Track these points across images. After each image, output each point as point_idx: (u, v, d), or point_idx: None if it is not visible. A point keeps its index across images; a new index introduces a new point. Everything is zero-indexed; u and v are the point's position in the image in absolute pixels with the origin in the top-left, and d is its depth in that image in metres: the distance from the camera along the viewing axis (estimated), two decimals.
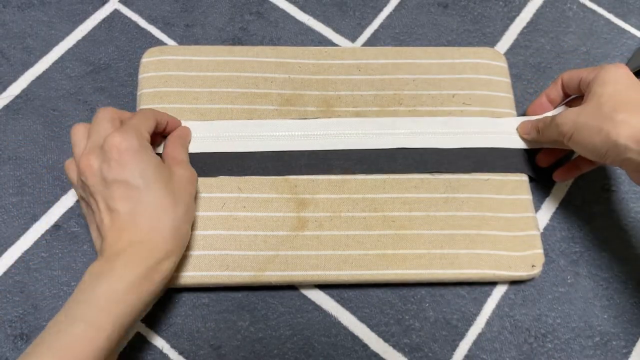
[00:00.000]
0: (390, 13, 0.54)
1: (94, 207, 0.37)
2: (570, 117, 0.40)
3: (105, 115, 0.39)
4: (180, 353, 0.41)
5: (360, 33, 0.53)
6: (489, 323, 0.43)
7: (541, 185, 0.48)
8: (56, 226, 0.44)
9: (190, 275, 0.41)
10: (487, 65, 0.50)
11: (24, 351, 0.32)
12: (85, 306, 0.33)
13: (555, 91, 0.45)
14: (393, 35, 0.53)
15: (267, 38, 0.52)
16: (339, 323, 0.43)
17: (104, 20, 0.52)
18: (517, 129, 0.47)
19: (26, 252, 0.44)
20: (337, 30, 0.53)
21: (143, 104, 0.46)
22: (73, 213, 0.45)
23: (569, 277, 0.45)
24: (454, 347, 0.42)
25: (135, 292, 0.34)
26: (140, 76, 0.48)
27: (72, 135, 0.39)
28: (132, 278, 0.34)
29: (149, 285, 0.35)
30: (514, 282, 0.44)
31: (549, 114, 0.45)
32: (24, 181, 0.46)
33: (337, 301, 0.43)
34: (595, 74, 0.41)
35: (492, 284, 0.44)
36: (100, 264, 0.35)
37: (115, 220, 0.36)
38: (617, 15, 0.55)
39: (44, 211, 0.45)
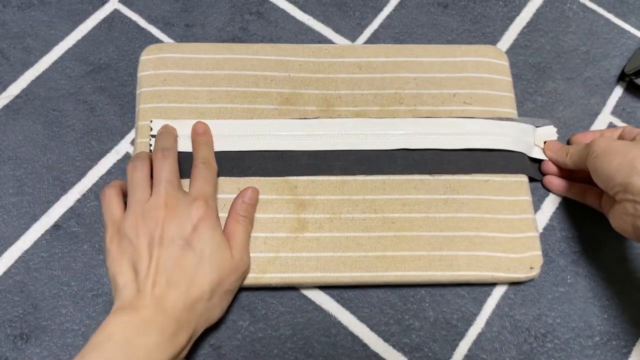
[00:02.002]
0: (390, 13, 0.54)
1: (141, 255, 0.37)
2: (607, 138, 0.42)
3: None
4: None
5: (360, 33, 0.53)
6: (488, 323, 0.43)
7: (541, 185, 0.48)
8: (56, 226, 0.44)
9: None
10: (489, 64, 0.50)
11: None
12: None
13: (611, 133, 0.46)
14: (393, 35, 0.53)
15: (267, 38, 0.52)
16: (339, 323, 0.43)
17: (104, 20, 0.52)
18: (542, 146, 0.47)
19: (26, 252, 0.44)
20: (337, 30, 0.53)
21: (142, 103, 0.46)
22: (73, 213, 0.45)
23: (569, 277, 0.45)
24: (453, 347, 0.42)
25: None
26: (139, 74, 0.48)
27: (134, 178, 0.40)
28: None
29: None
30: (513, 282, 0.44)
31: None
32: (24, 181, 0.46)
33: (337, 301, 0.43)
34: None
35: (492, 284, 0.44)
36: (131, 323, 0.35)
37: (157, 282, 0.36)
38: (617, 15, 0.55)
39: (43, 211, 0.45)
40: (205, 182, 0.41)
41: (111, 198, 0.40)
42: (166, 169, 0.40)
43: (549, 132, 0.48)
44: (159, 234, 0.38)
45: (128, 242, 0.38)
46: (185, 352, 0.37)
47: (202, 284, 0.37)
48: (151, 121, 0.45)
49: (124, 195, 0.41)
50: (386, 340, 0.42)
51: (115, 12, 0.52)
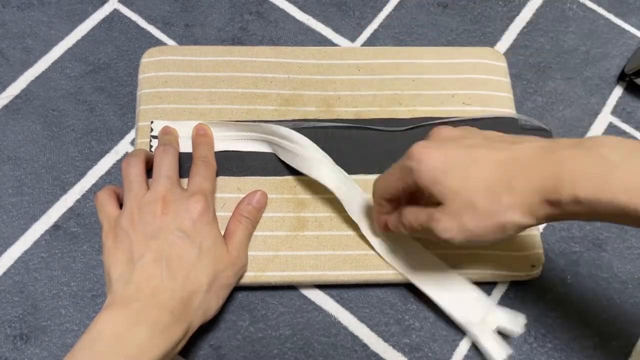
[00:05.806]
0: (390, 13, 0.54)
1: (138, 247, 0.37)
2: (453, 228, 0.33)
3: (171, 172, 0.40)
4: (180, 353, 0.41)
5: (360, 33, 0.53)
6: None
7: None
8: (56, 226, 0.44)
9: None
10: (487, 65, 0.50)
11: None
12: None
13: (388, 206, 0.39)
14: (393, 35, 0.53)
15: (267, 38, 0.52)
16: (339, 323, 0.43)
17: (103, 20, 0.52)
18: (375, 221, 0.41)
19: (26, 252, 0.44)
20: (337, 30, 0.53)
21: (143, 105, 0.46)
22: (73, 213, 0.45)
23: (569, 277, 0.45)
24: (453, 347, 0.42)
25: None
26: (140, 76, 0.48)
27: (129, 174, 0.40)
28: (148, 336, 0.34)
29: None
30: (514, 282, 0.44)
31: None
32: (24, 181, 0.46)
33: (337, 301, 0.43)
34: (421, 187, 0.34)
35: (492, 284, 0.44)
36: (122, 318, 0.34)
37: (154, 273, 0.36)
38: (617, 15, 0.55)
39: (43, 211, 0.45)
40: (204, 179, 0.41)
41: (104, 198, 0.40)
42: (166, 165, 0.40)
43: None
44: (157, 226, 0.37)
45: (124, 234, 0.38)
46: (180, 347, 0.37)
47: (200, 277, 0.37)
48: (152, 122, 0.45)
49: (118, 199, 0.41)
50: (386, 340, 0.42)
51: (115, 12, 0.53)
